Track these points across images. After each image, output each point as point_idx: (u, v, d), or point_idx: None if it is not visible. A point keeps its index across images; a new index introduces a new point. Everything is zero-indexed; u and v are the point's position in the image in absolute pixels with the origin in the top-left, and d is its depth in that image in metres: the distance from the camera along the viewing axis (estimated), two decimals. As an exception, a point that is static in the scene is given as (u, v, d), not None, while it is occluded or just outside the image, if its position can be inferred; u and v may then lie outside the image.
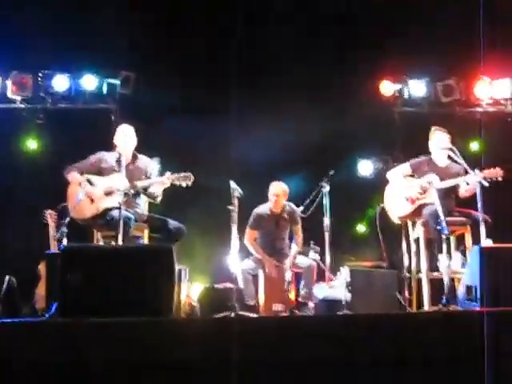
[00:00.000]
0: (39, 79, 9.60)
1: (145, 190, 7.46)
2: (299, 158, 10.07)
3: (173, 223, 7.45)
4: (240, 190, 7.40)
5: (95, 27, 9.61)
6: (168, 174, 7.36)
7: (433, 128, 7.94)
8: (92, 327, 4.32)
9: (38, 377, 4.20)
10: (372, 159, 10.20)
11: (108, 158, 7.53)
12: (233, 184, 7.36)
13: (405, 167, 8.01)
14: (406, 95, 10.24)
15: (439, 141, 7.82)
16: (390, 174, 8.06)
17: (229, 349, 4.50)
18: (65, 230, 6.85)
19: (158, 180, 7.45)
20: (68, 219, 6.84)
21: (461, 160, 7.43)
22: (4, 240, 9.72)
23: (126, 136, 7.61)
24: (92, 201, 7.24)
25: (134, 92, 9.86)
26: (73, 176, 7.40)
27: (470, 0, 9.62)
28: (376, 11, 10.14)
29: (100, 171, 7.47)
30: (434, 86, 10.18)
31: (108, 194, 7.25)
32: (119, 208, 6.78)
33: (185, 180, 7.29)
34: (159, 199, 7.52)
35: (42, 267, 7.76)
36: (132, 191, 7.26)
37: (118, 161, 7.31)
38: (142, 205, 7.56)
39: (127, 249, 5.42)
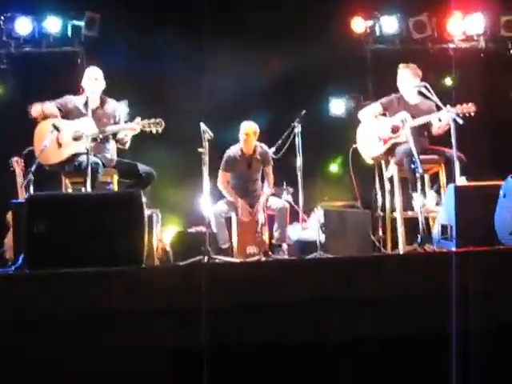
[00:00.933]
0: (1, 23, 9.33)
1: (114, 135, 7.31)
2: (270, 98, 9.95)
3: (143, 168, 7.34)
4: (210, 132, 7.26)
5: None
6: (138, 119, 7.22)
7: (401, 65, 7.78)
8: (60, 279, 4.21)
9: (7, 333, 4.11)
10: (344, 98, 10.11)
11: (75, 101, 7.34)
12: (203, 126, 7.21)
13: (376, 106, 7.87)
14: (377, 32, 10.12)
15: (408, 78, 7.68)
16: (362, 114, 7.94)
17: (200, 296, 4.41)
18: (31, 177, 6.70)
19: (127, 126, 7.29)
20: (34, 166, 6.68)
21: (433, 96, 7.31)
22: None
23: (93, 79, 7.40)
24: (59, 146, 7.08)
25: (100, 34, 9.64)
26: (35, 109, 7.21)
27: None
28: None
29: (67, 115, 7.29)
30: (405, 23, 10.07)
31: (76, 138, 7.08)
32: (87, 153, 6.64)
33: (155, 126, 7.17)
34: (128, 145, 7.39)
35: (9, 216, 7.62)
36: (100, 136, 7.12)
37: (86, 104, 7.13)
38: (111, 150, 7.39)
39: (94, 196, 5.29)
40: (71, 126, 7.14)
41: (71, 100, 7.37)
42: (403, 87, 7.73)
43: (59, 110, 7.27)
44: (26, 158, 7.84)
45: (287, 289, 4.75)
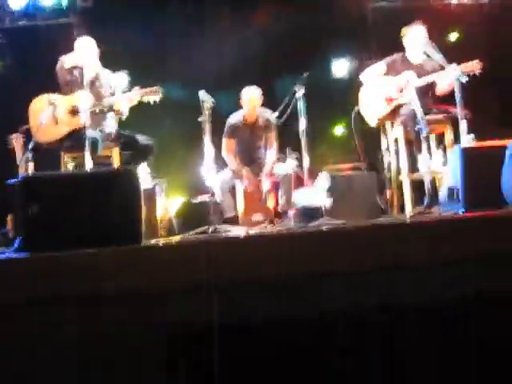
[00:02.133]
0: (-6, -2, 9.20)
1: (111, 107, 7.19)
2: (271, 62, 9.79)
3: (142, 139, 7.26)
4: (212, 99, 7.13)
5: None
6: (136, 88, 7.11)
7: (413, 24, 7.60)
8: (58, 261, 4.13)
9: (5, 317, 4.04)
10: (346, 59, 9.96)
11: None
12: (202, 94, 7.08)
13: (379, 66, 7.72)
14: (378, -11, 9.96)
15: (417, 37, 7.51)
16: (364, 76, 7.79)
17: (203, 271, 4.33)
18: (29, 155, 6.62)
19: (125, 96, 7.17)
20: (32, 144, 6.59)
21: (438, 55, 7.15)
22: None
23: (85, 49, 7.24)
24: (56, 122, 6.98)
25: (96, 3, 9.48)
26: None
27: None
28: None
29: (65, 85, 7.16)
30: (407, -22, 9.90)
31: (72, 113, 6.97)
32: (84, 128, 6.53)
33: (154, 94, 7.06)
34: (126, 115, 7.26)
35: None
36: (98, 109, 7.01)
37: (81, 76, 7.01)
38: (110, 122, 7.27)
39: (88, 175, 5.18)
40: (66, 101, 7.02)
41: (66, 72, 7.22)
42: (410, 46, 7.56)
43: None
44: (26, 135, 7.71)
45: (295, 261, 4.65)
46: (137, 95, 7.04)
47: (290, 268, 4.65)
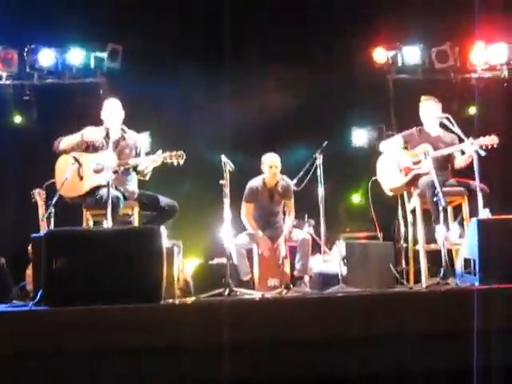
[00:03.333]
0: (25, 55, 9.39)
1: (135, 167, 7.31)
2: (292, 129, 9.94)
3: (165, 200, 7.33)
4: (232, 164, 7.24)
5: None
6: (159, 152, 7.22)
7: (423, 97, 7.75)
8: (76, 315, 4.19)
9: (25, 367, 4.09)
10: (366, 128, 10.06)
11: (96, 133, 7.35)
12: (224, 158, 7.20)
13: (397, 139, 7.84)
14: (399, 62, 10.10)
15: (429, 110, 7.65)
16: (383, 146, 7.89)
17: (220, 332, 4.37)
18: (52, 210, 6.71)
19: (149, 158, 7.28)
20: (55, 199, 6.68)
21: (456, 128, 7.25)
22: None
23: (112, 111, 7.41)
24: (80, 178, 7.09)
25: (122, 65, 9.67)
26: (62, 144, 7.22)
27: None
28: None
29: (88, 147, 7.30)
30: (428, 53, 10.04)
31: (97, 171, 7.09)
32: (107, 186, 6.62)
33: (177, 158, 7.16)
34: (148, 176, 7.38)
35: (31, 249, 7.62)
36: (121, 169, 7.13)
37: (107, 137, 7.16)
38: (133, 182, 7.39)
39: (112, 232, 5.23)
40: (92, 159, 7.15)
41: (92, 132, 7.36)
42: (425, 119, 7.69)
43: (81, 142, 7.28)
44: (48, 190, 7.83)
45: (307, 325, 4.69)
46: (160, 158, 7.14)
47: (303, 332, 4.69)
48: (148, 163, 7.25)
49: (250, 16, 10.05)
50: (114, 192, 6.79)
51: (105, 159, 7.02)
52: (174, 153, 7.15)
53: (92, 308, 4.18)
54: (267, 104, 9.68)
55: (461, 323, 4.78)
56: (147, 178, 7.39)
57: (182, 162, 7.16)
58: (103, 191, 6.78)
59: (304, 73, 10.03)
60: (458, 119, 7.49)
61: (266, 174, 8.30)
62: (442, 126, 7.52)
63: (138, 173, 7.38)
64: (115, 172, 7.00)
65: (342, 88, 9.83)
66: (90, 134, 7.28)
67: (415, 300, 5.09)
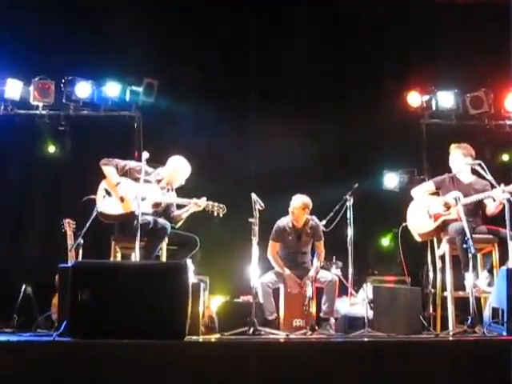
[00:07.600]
0: (62, 86, 9.49)
1: (166, 210, 7.54)
2: (323, 170, 9.94)
3: (186, 235, 7.43)
4: (261, 202, 7.26)
5: (119, 33, 9.52)
6: (204, 199, 7.34)
7: (452, 145, 7.75)
8: (99, 349, 4.18)
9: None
10: (398, 172, 10.02)
11: (148, 171, 7.42)
12: (254, 196, 7.21)
13: (428, 185, 7.84)
14: (433, 107, 10.07)
15: (459, 158, 7.63)
16: (414, 192, 7.86)
17: (243, 371, 4.35)
18: (81, 241, 6.76)
19: (194, 201, 7.42)
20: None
21: (488, 175, 7.21)
22: (23, 247, 9.69)
23: (184, 177, 7.68)
24: (122, 200, 7.18)
25: (157, 100, 9.74)
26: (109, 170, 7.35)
27: (498, 10, 9.40)
28: (402, 23, 10.06)
29: (134, 179, 7.36)
30: (462, 98, 10.01)
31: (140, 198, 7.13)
32: (136, 216, 6.68)
33: (218, 210, 7.34)
34: (180, 224, 7.63)
35: (58, 278, 7.65)
36: (163, 205, 7.35)
37: (158, 181, 7.44)
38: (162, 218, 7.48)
39: (139, 266, 5.24)
40: (137, 186, 7.15)
41: (144, 168, 7.36)
42: (455, 167, 7.67)
43: (128, 171, 7.38)
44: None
45: (329, 369, 4.65)
46: (203, 204, 7.31)
47: (328, 376, 4.65)
48: (191, 205, 7.39)
49: (287, 55, 10.13)
50: (162, 220, 7.01)
51: (149, 190, 7.19)
52: (217, 204, 7.30)
53: (115, 342, 4.16)
54: (301, 143, 9.70)
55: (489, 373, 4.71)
56: (178, 225, 7.53)
57: (222, 214, 7.30)
58: (145, 218, 6.88)
59: (339, 113, 10.06)
60: (492, 166, 7.46)
61: (293, 216, 8.28)
62: (475, 172, 7.48)
63: (171, 218, 7.56)
64: (156, 205, 7.24)
65: (375, 130, 9.83)
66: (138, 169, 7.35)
67: (441, 348, 5.01)
